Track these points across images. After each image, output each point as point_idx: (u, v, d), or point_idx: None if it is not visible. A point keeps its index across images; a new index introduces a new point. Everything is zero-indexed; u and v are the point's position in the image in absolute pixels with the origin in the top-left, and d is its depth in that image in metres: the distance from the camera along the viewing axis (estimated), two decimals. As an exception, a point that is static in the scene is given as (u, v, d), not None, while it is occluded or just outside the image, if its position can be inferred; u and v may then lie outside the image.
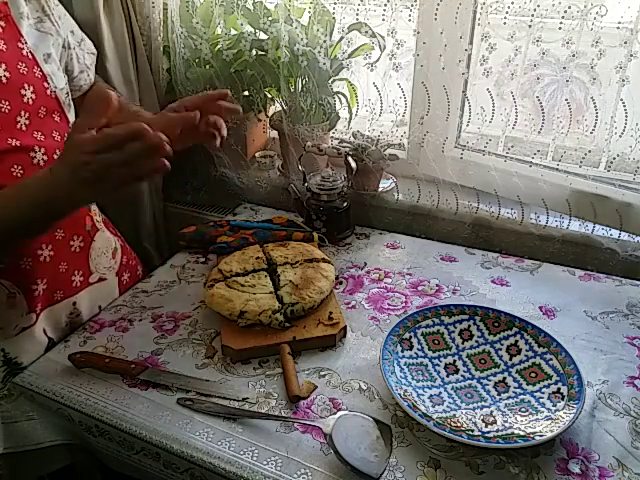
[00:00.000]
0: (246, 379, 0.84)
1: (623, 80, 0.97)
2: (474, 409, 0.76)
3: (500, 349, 0.85)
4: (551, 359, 0.81)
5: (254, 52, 1.24)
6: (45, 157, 0.84)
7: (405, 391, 0.77)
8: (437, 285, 1.05)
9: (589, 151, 1.06)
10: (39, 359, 0.88)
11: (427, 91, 1.15)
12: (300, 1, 1.18)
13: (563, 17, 0.97)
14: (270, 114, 1.36)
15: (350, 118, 1.28)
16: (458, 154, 1.21)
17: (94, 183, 0.66)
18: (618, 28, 0.94)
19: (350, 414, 0.74)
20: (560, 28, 0.98)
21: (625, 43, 0.94)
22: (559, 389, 0.77)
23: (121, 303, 1.01)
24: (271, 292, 0.94)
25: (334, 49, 1.20)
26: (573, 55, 0.99)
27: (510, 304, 0.98)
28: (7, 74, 0.79)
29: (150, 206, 1.44)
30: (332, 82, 1.25)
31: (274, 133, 1.42)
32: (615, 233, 1.10)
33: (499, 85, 1.09)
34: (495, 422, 0.74)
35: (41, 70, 0.85)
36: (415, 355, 0.85)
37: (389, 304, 1.00)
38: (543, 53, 1.02)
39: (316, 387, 0.81)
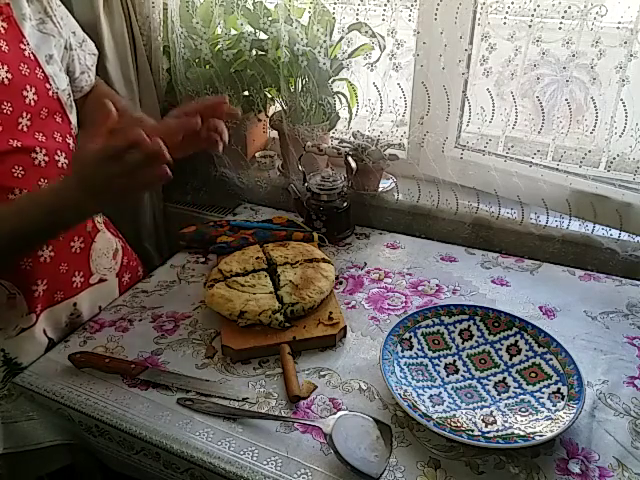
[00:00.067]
0: (246, 379, 0.84)
1: (623, 80, 0.97)
2: (474, 409, 0.76)
3: (500, 349, 0.85)
4: (551, 359, 0.81)
5: (254, 52, 1.24)
6: (46, 158, 0.84)
7: (405, 391, 0.77)
8: (437, 285, 1.05)
9: (589, 151, 1.06)
10: (39, 359, 0.88)
11: (427, 91, 1.15)
12: (300, 1, 1.18)
13: (563, 17, 0.97)
14: (270, 114, 1.36)
15: (350, 118, 1.28)
16: (458, 154, 1.21)
17: (98, 194, 0.69)
18: (618, 28, 0.94)
19: (350, 414, 0.74)
20: (560, 28, 0.98)
21: (625, 43, 0.94)
22: (559, 389, 0.77)
23: (121, 303, 1.01)
24: (271, 292, 0.94)
25: (334, 49, 1.20)
26: (573, 55, 0.99)
27: (510, 304, 0.98)
28: (9, 75, 0.79)
29: (150, 206, 1.44)
30: (332, 82, 1.25)
31: (274, 133, 1.42)
32: (615, 233, 1.10)
33: (499, 85, 1.09)
34: (495, 422, 0.74)
35: (43, 71, 0.85)
36: (415, 355, 0.85)
37: (389, 304, 1.00)
38: (543, 53, 1.02)
39: (316, 387, 0.81)
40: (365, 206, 1.29)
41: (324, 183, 1.18)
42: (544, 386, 0.78)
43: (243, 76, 1.27)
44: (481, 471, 0.69)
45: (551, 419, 0.72)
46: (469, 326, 0.89)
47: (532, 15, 1.00)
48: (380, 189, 1.29)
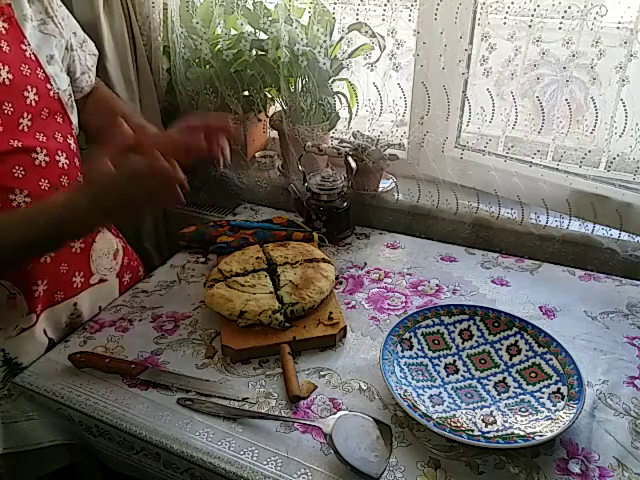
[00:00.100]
0: (246, 379, 0.84)
1: (623, 80, 0.97)
2: (474, 409, 0.76)
3: (500, 349, 0.85)
4: (551, 359, 0.81)
5: (254, 52, 1.24)
6: (47, 158, 0.84)
7: (405, 391, 0.77)
8: (437, 285, 1.05)
9: (589, 151, 1.06)
10: (39, 359, 0.88)
11: (427, 91, 1.15)
12: (300, 1, 1.18)
13: (563, 17, 0.97)
14: (270, 114, 1.36)
15: (350, 118, 1.28)
16: (458, 154, 1.21)
17: (110, 212, 0.73)
18: (618, 28, 0.94)
19: (350, 414, 0.74)
20: (560, 28, 0.98)
21: (625, 43, 0.94)
22: (559, 389, 0.77)
23: (121, 303, 1.01)
24: (271, 292, 0.94)
25: (334, 49, 1.20)
26: (573, 55, 0.99)
27: (510, 304, 0.98)
28: (10, 76, 0.79)
29: (150, 206, 1.44)
30: (332, 82, 1.25)
31: (274, 133, 1.42)
32: (615, 233, 1.10)
33: (499, 85, 1.09)
34: (495, 422, 0.74)
35: (44, 72, 0.85)
36: (415, 355, 0.85)
37: (389, 304, 1.00)
38: (543, 53, 1.02)
39: (316, 387, 0.81)
40: (365, 206, 1.29)
41: (324, 183, 1.18)
42: (544, 386, 0.78)
43: (243, 76, 1.27)
44: (481, 471, 0.69)
45: (551, 419, 0.72)
46: (469, 326, 0.89)
47: (532, 15, 1.00)
48: (380, 189, 1.29)
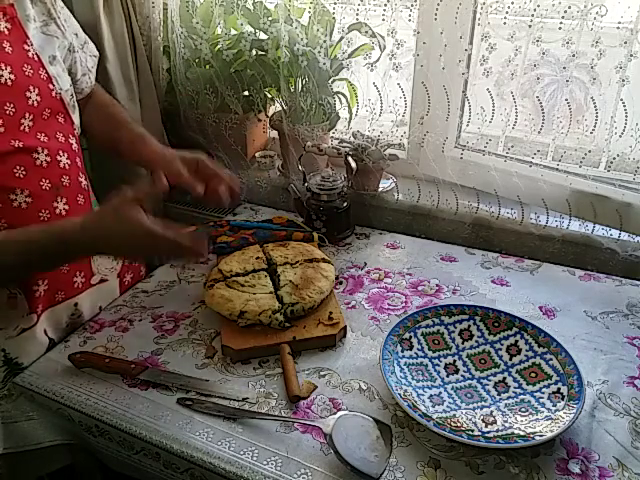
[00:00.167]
0: (246, 379, 0.84)
1: (623, 80, 0.97)
2: (474, 409, 0.76)
3: (500, 349, 0.85)
4: (551, 359, 0.81)
5: (254, 52, 1.24)
6: (48, 158, 0.84)
7: (405, 391, 0.77)
8: (437, 285, 1.05)
9: (589, 151, 1.06)
10: (39, 359, 0.88)
11: (427, 91, 1.15)
12: (300, 1, 1.18)
13: (563, 17, 0.97)
14: (270, 114, 1.36)
15: (350, 118, 1.28)
16: (458, 154, 1.21)
17: (114, 251, 0.80)
18: (618, 28, 0.94)
19: (350, 414, 0.74)
20: (560, 28, 0.98)
21: (625, 43, 0.94)
22: (559, 389, 0.77)
23: (121, 303, 1.01)
24: (271, 292, 0.94)
25: (334, 49, 1.20)
26: (573, 55, 0.99)
27: (510, 304, 0.98)
28: (12, 77, 0.79)
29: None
30: (332, 82, 1.25)
31: (274, 133, 1.42)
32: (615, 233, 1.10)
33: (499, 85, 1.09)
34: (495, 422, 0.74)
35: (46, 72, 0.85)
36: (415, 355, 0.85)
37: (389, 304, 1.00)
38: (543, 53, 1.02)
39: (316, 387, 0.81)
40: (365, 206, 1.29)
41: (324, 183, 1.18)
42: (544, 386, 0.78)
43: (243, 76, 1.27)
44: (481, 471, 0.69)
45: (551, 419, 0.72)
46: (469, 326, 0.89)
47: (532, 15, 1.00)
48: (380, 189, 1.29)
